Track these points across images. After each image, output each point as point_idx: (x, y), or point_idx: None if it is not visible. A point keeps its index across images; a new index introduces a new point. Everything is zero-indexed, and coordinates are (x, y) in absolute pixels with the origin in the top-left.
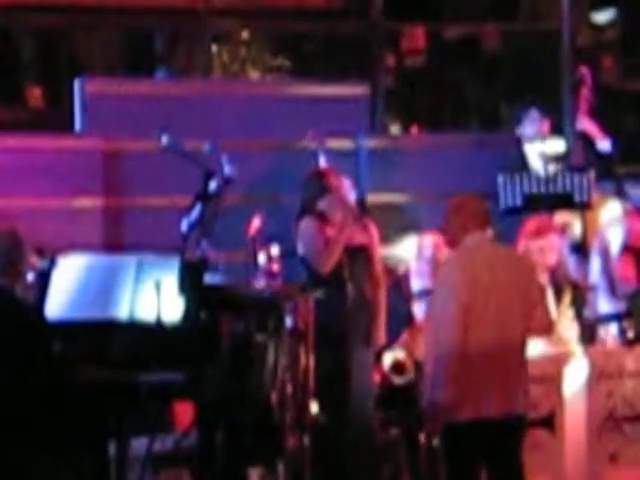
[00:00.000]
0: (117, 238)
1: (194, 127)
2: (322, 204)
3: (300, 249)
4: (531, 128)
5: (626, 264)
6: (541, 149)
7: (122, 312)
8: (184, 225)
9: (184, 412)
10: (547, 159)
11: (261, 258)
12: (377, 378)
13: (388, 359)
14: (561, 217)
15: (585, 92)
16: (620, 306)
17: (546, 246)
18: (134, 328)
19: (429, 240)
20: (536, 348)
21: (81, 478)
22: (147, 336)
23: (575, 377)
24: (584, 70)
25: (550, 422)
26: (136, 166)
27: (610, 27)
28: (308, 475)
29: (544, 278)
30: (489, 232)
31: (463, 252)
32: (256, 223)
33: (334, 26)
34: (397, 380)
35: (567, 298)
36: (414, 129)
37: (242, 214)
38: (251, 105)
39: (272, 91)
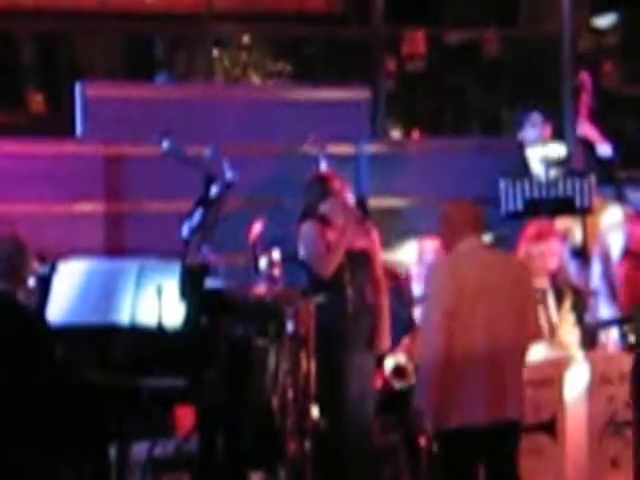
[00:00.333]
0: (118, 243)
1: (195, 132)
2: (324, 208)
3: (301, 253)
4: (533, 132)
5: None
6: (542, 154)
7: (123, 317)
8: (185, 230)
9: (185, 416)
10: (548, 164)
11: (262, 263)
12: (378, 383)
13: (389, 364)
14: (562, 222)
15: (585, 97)
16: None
17: (547, 251)
18: (135, 333)
19: (430, 245)
20: (537, 353)
21: None
22: (148, 341)
23: (576, 382)
24: (584, 76)
25: (551, 427)
26: (137, 171)
27: (611, 32)
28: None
29: (545, 283)
30: (484, 237)
31: (452, 258)
32: (257, 228)
33: (335, 31)
34: (398, 385)
35: (568, 303)
36: (415, 134)
37: (243, 219)
38: (252, 110)
39: (273, 96)
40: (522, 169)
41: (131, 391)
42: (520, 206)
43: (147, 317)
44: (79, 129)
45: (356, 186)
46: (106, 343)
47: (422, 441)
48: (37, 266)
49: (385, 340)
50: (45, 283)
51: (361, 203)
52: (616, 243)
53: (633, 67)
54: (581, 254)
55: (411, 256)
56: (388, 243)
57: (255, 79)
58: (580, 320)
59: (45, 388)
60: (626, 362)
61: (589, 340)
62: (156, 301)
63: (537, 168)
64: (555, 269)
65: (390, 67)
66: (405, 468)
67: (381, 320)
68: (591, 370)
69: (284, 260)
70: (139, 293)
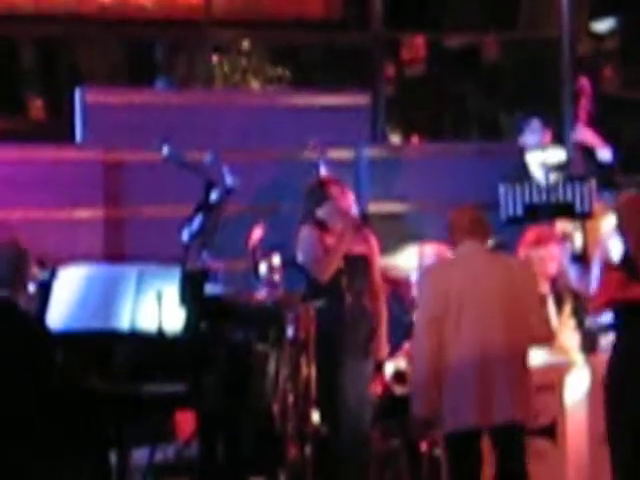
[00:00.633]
0: (118, 249)
1: (195, 137)
2: (322, 212)
3: (299, 257)
4: (532, 138)
5: None
6: (542, 158)
7: (123, 322)
8: (185, 235)
9: (185, 422)
10: (548, 168)
11: (262, 268)
12: (379, 388)
13: (390, 369)
14: (562, 227)
15: (584, 102)
16: None
17: (547, 256)
18: (135, 338)
19: (430, 249)
20: (537, 357)
21: None
22: (148, 346)
23: (576, 386)
24: (583, 80)
25: (552, 431)
26: (137, 177)
27: (610, 36)
28: None
29: (545, 288)
30: (485, 241)
31: (442, 263)
32: (257, 233)
33: (334, 36)
34: (398, 390)
35: (568, 308)
36: (414, 138)
37: (243, 224)
38: (252, 115)
39: (273, 101)
40: (522, 174)
41: (131, 397)
42: (520, 211)
43: (147, 322)
44: (79, 135)
45: (356, 191)
46: (106, 349)
47: (423, 446)
48: (37, 272)
49: (383, 347)
50: (45, 289)
51: (359, 211)
52: (616, 248)
53: (632, 71)
54: (581, 259)
55: (411, 261)
56: (388, 248)
57: (255, 85)
58: (580, 325)
59: (45, 394)
60: None
61: (589, 345)
62: (156, 306)
63: (537, 173)
64: (555, 274)
65: (389, 72)
66: (406, 473)
67: (379, 327)
68: (591, 375)
69: (284, 265)
70: (139, 298)
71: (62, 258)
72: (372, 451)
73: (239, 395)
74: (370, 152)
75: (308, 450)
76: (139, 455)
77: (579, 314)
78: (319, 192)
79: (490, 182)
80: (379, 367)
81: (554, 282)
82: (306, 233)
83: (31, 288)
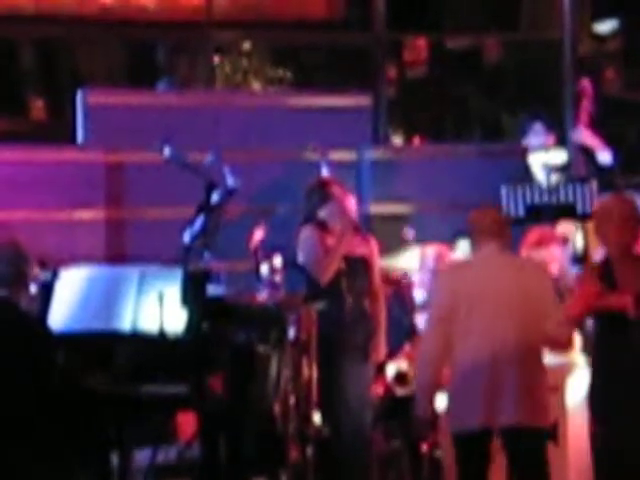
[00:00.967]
0: (119, 250)
1: (196, 138)
2: (323, 213)
3: (300, 258)
4: (536, 140)
5: None
6: (544, 160)
7: (125, 324)
8: (186, 236)
9: (187, 423)
10: (550, 170)
11: (264, 269)
12: (380, 389)
13: (391, 370)
14: (563, 228)
15: (586, 104)
16: None
17: (548, 257)
18: (137, 339)
19: (431, 251)
20: None
21: None
22: (150, 347)
23: (578, 387)
24: (585, 82)
25: (553, 432)
26: (138, 178)
27: (612, 38)
28: None
29: None
30: (506, 244)
31: (455, 265)
32: (258, 234)
33: (336, 37)
34: (400, 391)
35: None
36: (416, 140)
37: (245, 225)
38: (253, 116)
39: (274, 102)
40: (524, 175)
41: (132, 398)
42: (521, 212)
43: (149, 324)
44: (80, 136)
45: (357, 192)
46: (107, 349)
47: (424, 447)
48: (38, 272)
49: (381, 349)
50: (47, 290)
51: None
52: None
53: (634, 73)
54: (582, 260)
55: (413, 262)
56: (390, 249)
57: (256, 86)
58: (582, 326)
59: (46, 394)
60: None
61: (591, 346)
62: (158, 308)
63: (539, 174)
64: (556, 275)
65: (391, 74)
66: (407, 474)
67: (378, 328)
68: None
69: (285, 266)
70: (141, 300)
71: (63, 259)
72: (373, 452)
73: (241, 396)
74: (372, 153)
75: (309, 451)
76: (141, 456)
77: None
78: (320, 192)
79: (492, 183)
80: (380, 368)
81: (555, 283)
82: (307, 234)
83: (33, 289)
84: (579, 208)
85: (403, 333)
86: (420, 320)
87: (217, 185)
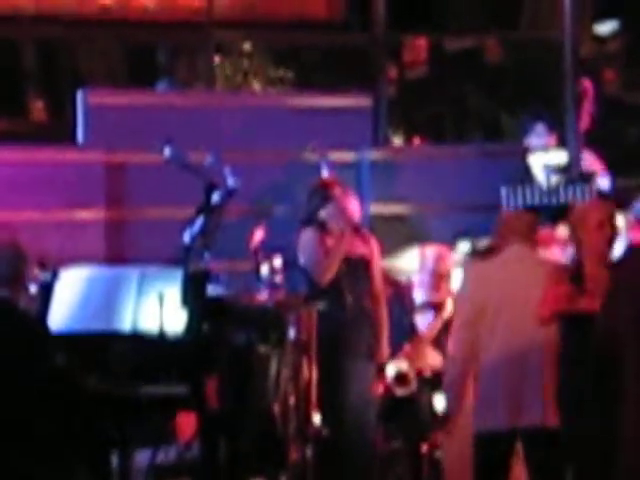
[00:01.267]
0: (119, 250)
1: (197, 139)
2: (323, 214)
3: (301, 259)
4: (537, 141)
5: None
6: (544, 160)
7: (125, 324)
8: (187, 237)
9: (187, 423)
10: (549, 170)
11: (264, 269)
12: (380, 389)
13: (391, 370)
14: (563, 229)
15: (587, 105)
16: None
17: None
18: (137, 340)
19: (431, 251)
20: None
21: None
22: (150, 348)
23: None
24: (586, 83)
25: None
26: (139, 178)
27: (613, 38)
28: None
29: None
30: (535, 247)
31: (482, 266)
32: (258, 235)
33: (336, 38)
34: (400, 391)
35: None
36: (416, 140)
37: (244, 226)
38: (254, 117)
39: (274, 103)
40: (524, 176)
41: (132, 398)
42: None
43: (149, 324)
44: (80, 136)
45: (357, 193)
46: (107, 350)
47: (424, 447)
48: (38, 273)
49: (384, 349)
50: (47, 290)
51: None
52: (618, 250)
53: (635, 73)
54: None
55: (412, 263)
56: (390, 250)
57: (256, 86)
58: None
59: (46, 395)
60: None
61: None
62: (158, 308)
63: (539, 175)
64: None
65: (391, 74)
66: (407, 475)
67: (380, 329)
68: None
69: (285, 266)
70: (141, 300)
71: (63, 260)
72: (376, 452)
73: (240, 397)
74: (372, 154)
75: (309, 452)
76: (140, 457)
77: None
78: (322, 193)
79: (492, 184)
80: (380, 369)
81: None
82: (308, 235)
83: (32, 289)
84: None
85: (403, 333)
86: (420, 320)
87: (217, 185)
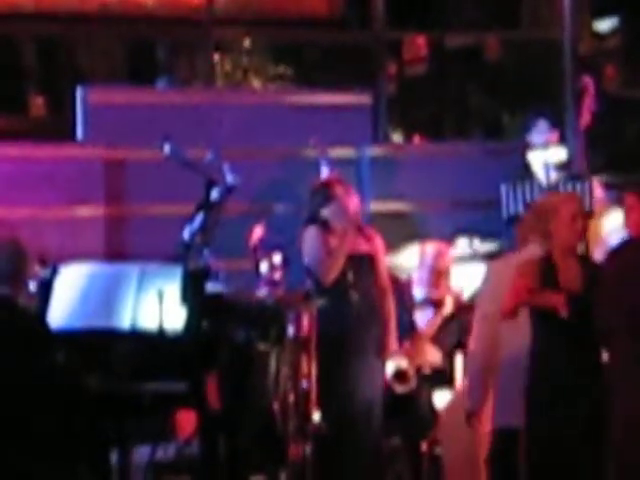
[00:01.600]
0: (119, 247)
1: (196, 136)
2: (325, 212)
3: (304, 259)
4: (539, 138)
5: None
6: (543, 157)
7: (124, 321)
8: (186, 234)
9: (186, 421)
10: (549, 167)
11: (263, 267)
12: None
13: (390, 367)
14: None
15: (588, 102)
16: None
17: None
18: (136, 337)
19: (431, 248)
20: None
21: None
22: (149, 345)
23: None
24: (587, 80)
25: None
26: (138, 175)
27: (612, 35)
28: None
29: None
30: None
31: (504, 264)
32: (258, 232)
33: (336, 35)
34: (399, 389)
35: None
36: (416, 138)
37: (244, 223)
38: (253, 114)
39: (274, 100)
40: (524, 173)
41: (132, 395)
42: (521, 210)
43: (148, 321)
44: (80, 133)
45: (357, 190)
46: (107, 347)
47: (424, 445)
48: (38, 270)
49: (392, 346)
50: (46, 287)
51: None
52: (594, 246)
53: (634, 70)
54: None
55: (412, 260)
56: (390, 247)
57: (256, 83)
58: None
59: (45, 393)
60: None
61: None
62: (157, 305)
63: (539, 172)
64: None
65: (391, 71)
66: (406, 472)
67: (388, 325)
68: None
69: (285, 264)
70: (140, 297)
71: (63, 256)
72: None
73: (240, 394)
74: (372, 151)
75: (309, 449)
76: (140, 454)
77: None
78: (323, 193)
79: (492, 181)
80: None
81: None
82: (310, 234)
83: (32, 286)
84: None
85: (403, 330)
86: (419, 317)
87: (217, 182)
